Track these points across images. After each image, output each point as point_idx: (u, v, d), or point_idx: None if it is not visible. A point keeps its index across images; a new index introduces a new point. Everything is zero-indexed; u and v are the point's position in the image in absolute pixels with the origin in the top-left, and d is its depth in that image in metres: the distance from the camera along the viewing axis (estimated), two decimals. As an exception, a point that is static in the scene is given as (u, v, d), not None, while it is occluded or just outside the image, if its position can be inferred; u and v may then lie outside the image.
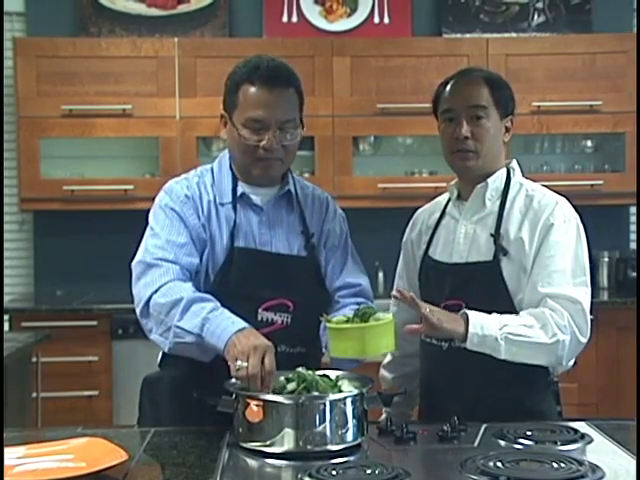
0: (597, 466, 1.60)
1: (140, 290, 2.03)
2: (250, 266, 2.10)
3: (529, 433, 1.83)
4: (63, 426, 2.23)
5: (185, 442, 1.87)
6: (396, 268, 2.42)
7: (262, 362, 1.79)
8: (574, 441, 1.81)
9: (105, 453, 1.66)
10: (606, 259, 4.92)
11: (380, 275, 4.75)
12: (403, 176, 4.85)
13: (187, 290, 1.99)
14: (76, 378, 4.27)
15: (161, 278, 2.01)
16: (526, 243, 2.09)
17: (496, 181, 2.19)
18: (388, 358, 2.40)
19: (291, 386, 1.84)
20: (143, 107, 4.62)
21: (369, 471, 1.58)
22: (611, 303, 4.53)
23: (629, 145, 4.73)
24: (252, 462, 1.74)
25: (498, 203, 2.17)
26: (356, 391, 1.82)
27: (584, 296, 2.05)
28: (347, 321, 1.93)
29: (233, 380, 1.84)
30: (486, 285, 2.10)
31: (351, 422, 1.77)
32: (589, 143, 4.97)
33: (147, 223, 2.14)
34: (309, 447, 1.74)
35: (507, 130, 2.20)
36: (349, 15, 5.00)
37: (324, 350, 2.05)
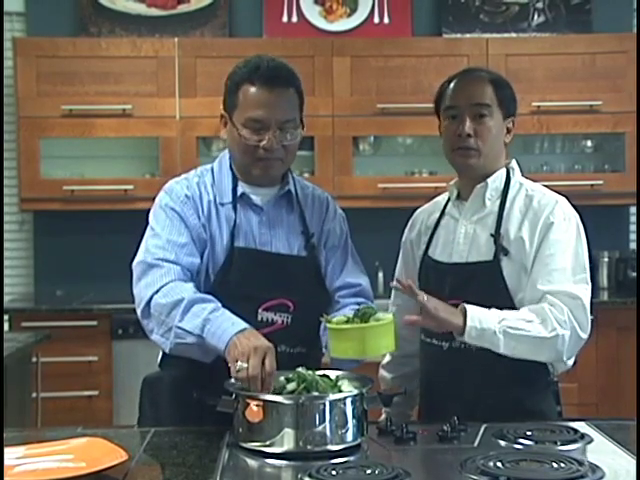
0: (597, 466, 1.60)
1: (141, 290, 2.03)
2: (250, 266, 2.10)
3: (529, 433, 1.83)
4: (63, 426, 2.23)
5: (185, 442, 1.86)
6: (396, 268, 2.42)
7: (262, 363, 1.79)
8: (574, 441, 1.81)
9: (105, 453, 1.66)
10: (606, 259, 4.91)
11: (380, 275, 4.74)
12: (403, 176, 4.85)
13: (188, 291, 1.99)
14: (76, 378, 4.27)
15: (162, 278, 2.01)
16: (526, 242, 2.09)
17: (496, 181, 2.19)
18: (387, 358, 2.40)
19: (291, 386, 1.84)
20: (143, 107, 4.62)
21: (369, 471, 1.58)
22: (611, 303, 4.53)
23: (629, 145, 4.73)
24: (252, 462, 1.74)
25: (498, 203, 2.17)
26: (356, 391, 1.82)
27: (584, 292, 2.05)
28: (347, 321, 1.93)
29: (233, 380, 1.84)
30: (486, 285, 2.10)
31: (351, 422, 1.77)
32: (589, 143, 4.97)
33: (147, 223, 2.14)
34: (309, 447, 1.74)
35: (508, 131, 2.20)
36: (349, 15, 5.00)
37: (324, 350, 2.05)
